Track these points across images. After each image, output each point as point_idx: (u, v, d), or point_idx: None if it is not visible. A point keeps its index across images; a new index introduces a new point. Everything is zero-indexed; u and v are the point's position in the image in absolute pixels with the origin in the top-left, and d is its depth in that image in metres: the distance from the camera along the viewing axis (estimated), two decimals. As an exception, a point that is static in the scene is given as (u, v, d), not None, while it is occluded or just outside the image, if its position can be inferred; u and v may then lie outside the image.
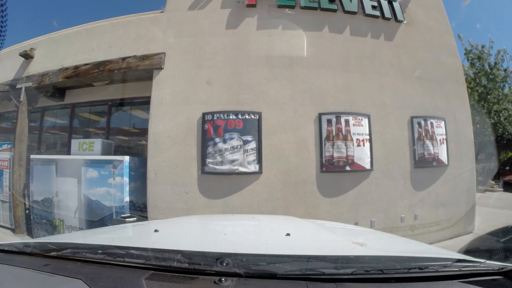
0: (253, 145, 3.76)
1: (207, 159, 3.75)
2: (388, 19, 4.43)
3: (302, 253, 0.97)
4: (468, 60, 11.64)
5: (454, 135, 4.45)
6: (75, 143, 4.41)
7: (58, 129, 5.89)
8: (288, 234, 1.19)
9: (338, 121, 3.91)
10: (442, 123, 4.36)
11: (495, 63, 11.15)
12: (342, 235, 1.48)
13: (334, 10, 4.25)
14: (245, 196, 3.74)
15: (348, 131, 3.91)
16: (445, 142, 4.34)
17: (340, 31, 4.27)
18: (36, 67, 4.91)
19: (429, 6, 4.84)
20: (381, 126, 4.08)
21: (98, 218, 3.83)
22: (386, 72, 4.29)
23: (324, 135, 3.89)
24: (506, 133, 11.53)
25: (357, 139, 3.92)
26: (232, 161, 3.71)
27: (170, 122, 3.92)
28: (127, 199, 3.80)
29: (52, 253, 0.98)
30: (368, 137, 3.96)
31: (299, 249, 1.08)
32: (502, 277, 0.79)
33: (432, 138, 4.26)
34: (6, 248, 1.04)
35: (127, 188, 3.82)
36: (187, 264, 0.81)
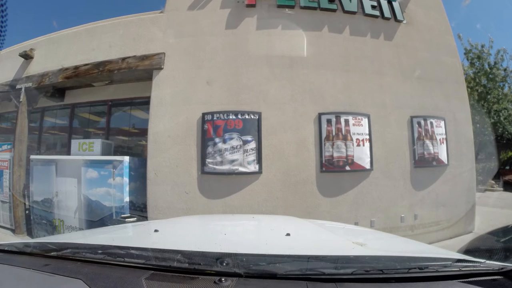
0: (253, 145, 3.76)
1: (207, 159, 3.75)
2: (387, 19, 4.44)
3: (302, 253, 0.97)
4: (468, 59, 11.64)
5: (454, 134, 4.45)
6: (75, 143, 4.41)
7: (58, 129, 5.89)
8: (288, 234, 1.19)
9: (338, 121, 3.91)
10: (442, 123, 4.36)
11: (495, 63, 11.14)
12: (342, 235, 1.48)
13: (334, 10, 4.25)
14: (245, 196, 3.74)
15: (348, 131, 3.91)
16: (445, 142, 4.34)
17: (340, 31, 4.27)
18: (36, 68, 4.91)
19: (429, 6, 4.84)
20: (381, 126, 4.08)
21: (98, 218, 3.83)
22: (386, 72, 4.29)
23: (324, 135, 3.89)
24: (506, 132, 11.54)
25: (357, 139, 3.92)
26: (232, 161, 3.71)
27: (170, 122, 3.92)
28: (127, 199, 3.80)
29: (52, 253, 0.98)
30: (368, 137, 3.96)
31: (299, 249, 1.08)
32: (502, 277, 0.79)
33: (432, 138, 4.26)
34: (6, 248, 1.04)
35: (127, 188, 3.82)
36: (187, 264, 0.81)
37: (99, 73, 4.36)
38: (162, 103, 3.99)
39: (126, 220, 3.32)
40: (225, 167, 3.71)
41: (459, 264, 0.86)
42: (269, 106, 3.91)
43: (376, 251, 1.08)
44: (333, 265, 0.85)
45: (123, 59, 4.25)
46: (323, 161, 3.84)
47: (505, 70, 11.34)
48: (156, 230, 1.27)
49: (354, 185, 3.91)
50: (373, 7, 4.38)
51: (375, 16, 4.38)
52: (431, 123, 4.29)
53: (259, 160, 3.75)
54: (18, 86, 4.88)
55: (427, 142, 4.23)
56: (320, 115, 3.93)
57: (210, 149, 3.76)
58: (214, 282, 0.73)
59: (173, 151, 3.86)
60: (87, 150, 4.23)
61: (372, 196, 3.93)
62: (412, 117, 4.24)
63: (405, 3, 4.60)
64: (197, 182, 3.79)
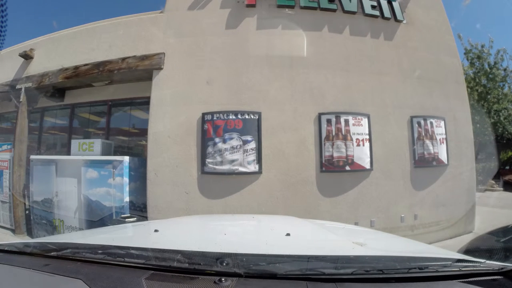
0: (252, 145, 3.76)
1: (207, 159, 3.75)
2: (387, 19, 4.44)
3: (302, 253, 0.97)
4: (467, 59, 11.66)
5: (454, 134, 4.45)
6: (75, 143, 4.41)
7: (58, 129, 5.89)
8: (288, 234, 1.19)
9: (337, 121, 3.91)
10: (442, 123, 4.36)
11: (495, 63, 11.15)
12: (342, 235, 1.48)
13: (334, 10, 4.25)
14: (245, 196, 3.74)
15: (348, 131, 3.91)
16: (445, 142, 4.34)
17: (340, 31, 4.27)
18: (36, 68, 4.91)
19: (429, 5, 4.84)
20: (380, 126, 4.08)
21: (98, 218, 3.83)
22: (386, 71, 4.29)
23: (323, 135, 3.89)
24: (506, 132, 11.54)
25: (357, 139, 3.92)
26: (232, 161, 3.71)
27: (170, 122, 3.92)
28: (127, 199, 3.80)
29: (52, 253, 0.98)
30: (367, 137, 3.96)
31: (299, 249, 1.08)
32: (502, 277, 0.79)
33: (432, 138, 4.26)
34: (6, 248, 1.04)
35: (127, 188, 3.82)
36: (187, 264, 0.81)
37: (99, 73, 4.36)
38: (162, 103, 3.99)
39: (126, 220, 3.32)
40: (225, 167, 3.71)
41: (459, 264, 0.86)
42: (269, 106, 3.91)
43: (376, 251, 1.08)
44: (333, 265, 0.85)
45: (123, 59, 4.25)
46: (323, 161, 3.84)
47: (505, 70, 11.35)
48: (156, 230, 1.27)
49: (354, 185, 3.91)
50: (373, 7, 4.38)
51: (375, 16, 4.38)
52: (431, 123, 4.29)
53: (259, 160, 3.75)
54: (18, 86, 4.88)
55: (427, 142, 4.23)
56: (320, 115, 3.93)
57: (210, 149, 3.76)
58: (214, 282, 0.73)
59: (173, 151, 3.85)
60: (87, 150, 4.23)
61: (372, 196, 3.93)
62: (412, 117, 4.24)
63: (405, 3, 4.60)
64: (197, 182, 3.79)
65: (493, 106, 11.19)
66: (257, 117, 3.83)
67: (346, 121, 3.92)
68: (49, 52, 4.90)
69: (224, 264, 0.80)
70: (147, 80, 4.19)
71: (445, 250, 1.30)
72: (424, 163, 4.20)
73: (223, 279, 0.73)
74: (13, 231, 4.69)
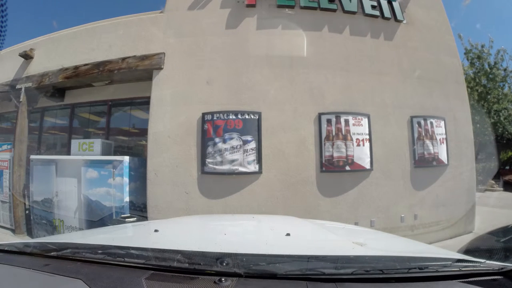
0: (253, 145, 3.76)
1: (207, 159, 3.75)
2: (387, 19, 4.43)
3: (302, 253, 0.97)
4: (468, 59, 11.66)
5: (454, 134, 4.45)
6: (75, 143, 4.41)
7: (58, 129, 5.89)
8: (288, 234, 1.19)
9: (338, 121, 3.91)
10: (442, 123, 4.36)
11: (495, 63, 11.15)
12: (342, 235, 1.48)
13: (334, 10, 4.25)
14: (245, 196, 3.74)
15: (348, 131, 3.91)
16: (445, 142, 4.34)
17: (340, 31, 4.27)
18: (36, 68, 4.91)
19: (429, 5, 4.84)
20: (380, 126, 4.08)
21: (98, 218, 3.83)
22: (386, 71, 4.29)
23: (324, 135, 3.89)
24: (506, 132, 11.54)
25: (357, 139, 3.92)
26: (232, 161, 3.71)
27: (170, 122, 3.92)
28: (127, 199, 3.80)
29: (52, 253, 0.97)
30: (367, 137, 3.96)
31: (299, 249, 1.08)
32: (502, 277, 0.79)
33: (432, 138, 4.26)
34: (6, 248, 1.04)
35: (127, 188, 3.82)
36: (187, 264, 0.81)
37: (99, 73, 4.36)
38: (162, 103, 3.99)
39: (126, 220, 3.32)
40: (225, 167, 3.71)
41: (459, 264, 0.86)
42: (269, 106, 3.91)
43: (376, 251, 1.08)
44: (333, 265, 0.85)
45: (123, 59, 4.25)
46: (323, 161, 3.84)
47: (505, 70, 11.35)
48: (156, 230, 1.27)
49: (354, 185, 3.91)
50: (373, 7, 4.38)
51: (375, 16, 4.38)
52: (431, 123, 4.29)
53: (259, 160, 3.75)
54: (18, 86, 4.88)
55: (427, 142, 4.23)
56: (320, 115, 3.93)
57: (210, 149, 3.76)
58: (214, 282, 0.73)
59: (173, 151, 3.85)
60: (87, 150, 4.23)
61: (372, 196, 3.93)
62: (412, 117, 4.24)
63: (405, 3, 4.60)
64: (197, 182, 3.79)
65: (493, 106, 11.19)
66: (257, 117, 3.83)
67: (346, 121, 3.92)
68: (49, 52, 4.90)
69: (224, 264, 0.80)
70: (147, 80, 4.19)
71: (445, 250, 1.30)
72: (424, 163, 4.20)
73: (223, 279, 0.73)
74: (13, 231, 4.69)
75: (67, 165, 4.19)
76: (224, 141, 3.75)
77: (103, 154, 4.17)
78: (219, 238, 1.29)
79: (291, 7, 4.19)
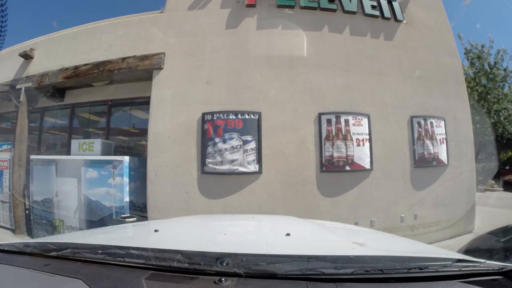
0: (252, 145, 3.76)
1: (207, 159, 3.75)
2: (387, 19, 4.43)
3: (302, 253, 0.97)
4: (468, 59, 11.66)
5: (454, 134, 4.45)
6: (75, 143, 4.41)
7: (58, 129, 5.89)
8: (288, 234, 1.19)
9: (338, 121, 3.91)
10: (442, 123, 4.36)
11: (495, 63, 11.15)
12: (342, 235, 1.48)
13: (334, 10, 4.25)
14: (245, 196, 3.74)
15: (348, 131, 3.91)
16: (445, 142, 4.34)
17: (340, 31, 4.27)
18: (36, 68, 4.91)
19: (429, 5, 4.84)
20: (380, 126, 4.08)
21: (98, 218, 3.83)
22: (386, 71, 4.29)
23: (324, 135, 3.89)
24: (506, 132, 11.54)
25: (357, 139, 3.92)
26: (232, 161, 3.71)
27: (170, 122, 3.92)
28: (127, 199, 3.80)
29: (52, 253, 0.98)
30: (367, 136, 3.96)
31: (299, 249, 1.08)
32: (502, 277, 0.79)
33: (432, 138, 4.26)
34: (6, 248, 1.04)
35: (127, 188, 3.82)
36: (187, 264, 0.81)
37: (99, 73, 4.36)
38: (162, 103, 3.99)
39: (126, 220, 3.32)
40: (225, 167, 3.71)
41: (459, 264, 0.86)
42: (269, 106, 3.91)
43: (376, 251, 1.08)
44: (333, 265, 0.85)
45: (123, 59, 4.25)
46: (323, 161, 3.84)
47: (505, 70, 11.35)
48: (156, 230, 1.27)
49: (354, 185, 3.91)
50: (373, 7, 4.38)
51: (375, 16, 4.38)
52: (431, 123, 4.29)
53: (259, 160, 3.75)
54: (18, 86, 4.88)
55: (427, 142, 4.23)
56: (320, 115, 3.93)
57: (210, 149, 3.76)
58: (214, 282, 0.73)
59: (173, 151, 3.85)
60: (87, 150, 4.23)
61: (372, 196, 3.93)
62: (412, 117, 4.24)
63: (405, 3, 4.60)
64: (197, 182, 3.79)
65: (493, 106, 11.19)
66: (257, 117, 3.83)
67: (346, 121, 3.92)
68: (49, 52, 4.90)
69: (224, 264, 0.80)
70: (147, 80, 4.19)
71: (445, 250, 1.30)
72: (424, 163, 4.20)
73: (223, 279, 0.73)
74: (13, 231, 4.69)
75: (67, 165, 4.19)
76: (224, 141, 3.75)
77: (103, 154, 4.17)
78: (219, 238, 1.29)
79: (291, 7, 4.19)
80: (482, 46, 11.36)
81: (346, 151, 3.86)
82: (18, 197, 4.61)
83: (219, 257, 0.83)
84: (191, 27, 4.20)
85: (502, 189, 9.52)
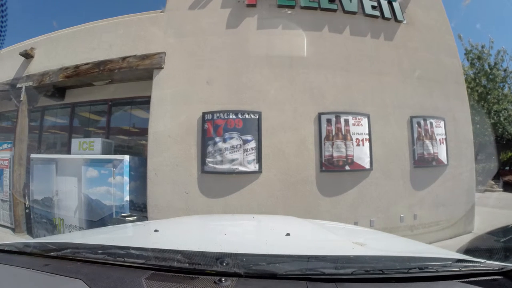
0: (253, 144, 3.76)
1: (207, 159, 3.75)
2: (388, 19, 4.43)
3: (302, 253, 0.97)
4: (468, 60, 11.65)
5: (454, 135, 4.45)
6: (75, 142, 4.41)
7: (58, 128, 5.89)
8: (288, 234, 1.19)
9: (337, 121, 3.91)
10: (442, 123, 4.36)
11: (495, 63, 11.15)
12: (342, 235, 1.48)
13: (334, 10, 4.25)
14: (244, 196, 3.74)
15: (348, 131, 3.91)
16: (444, 142, 4.34)
17: (340, 31, 4.27)
18: (36, 67, 4.91)
19: (429, 6, 4.84)
20: (380, 126, 4.08)
21: (98, 217, 3.84)
22: (386, 72, 4.29)
23: (323, 134, 3.89)
24: (506, 133, 11.53)
25: (357, 139, 3.92)
26: (232, 161, 3.71)
27: (170, 121, 3.92)
28: (127, 198, 3.80)
29: (52, 253, 0.97)
30: (367, 136, 3.96)
31: (299, 249, 1.08)
32: (502, 277, 0.79)
33: (431, 138, 4.26)
34: (6, 248, 1.04)
35: (127, 188, 3.82)
36: (187, 264, 0.81)
37: (99, 72, 4.36)
38: (163, 103, 3.99)
39: (126, 219, 3.32)
40: (225, 167, 3.71)
41: (459, 264, 0.86)
42: (269, 106, 3.91)
43: (376, 251, 1.08)
44: (333, 265, 0.85)
45: (124, 58, 4.25)
46: (323, 161, 3.84)
47: (505, 70, 11.35)
48: (156, 230, 1.27)
49: (354, 184, 3.91)
50: (373, 7, 4.38)
51: (375, 16, 4.38)
52: (431, 123, 4.29)
53: (259, 159, 3.75)
54: (18, 85, 4.88)
55: (427, 142, 4.23)
56: (320, 114, 3.93)
57: (210, 149, 3.76)
58: (214, 282, 0.73)
59: (173, 151, 3.85)
60: (88, 149, 4.23)
61: (371, 196, 3.93)
62: (412, 117, 4.24)
63: (405, 3, 4.60)
64: (197, 181, 3.79)
65: (493, 107, 11.19)
66: (257, 117, 3.83)
67: (346, 121, 3.92)
68: (49, 51, 4.90)
69: (224, 264, 0.80)
70: (148, 80, 4.19)
71: (445, 250, 1.30)
72: (423, 163, 4.20)
73: (223, 279, 0.73)
74: (13, 230, 4.69)
75: (67, 164, 4.19)
76: (224, 141, 3.75)
77: (104, 153, 4.16)
78: (219, 238, 1.29)
79: (292, 7, 4.19)
80: (482, 47, 11.36)
81: (346, 151, 3.86)
82: (18, 196, 4.61)
83: (219, 257, 0.83)
84: (191, 26, 4.20)
85: (501, 189, 9.52)
